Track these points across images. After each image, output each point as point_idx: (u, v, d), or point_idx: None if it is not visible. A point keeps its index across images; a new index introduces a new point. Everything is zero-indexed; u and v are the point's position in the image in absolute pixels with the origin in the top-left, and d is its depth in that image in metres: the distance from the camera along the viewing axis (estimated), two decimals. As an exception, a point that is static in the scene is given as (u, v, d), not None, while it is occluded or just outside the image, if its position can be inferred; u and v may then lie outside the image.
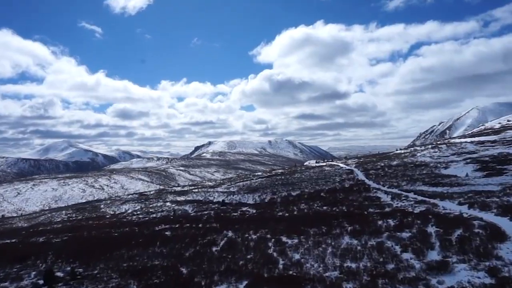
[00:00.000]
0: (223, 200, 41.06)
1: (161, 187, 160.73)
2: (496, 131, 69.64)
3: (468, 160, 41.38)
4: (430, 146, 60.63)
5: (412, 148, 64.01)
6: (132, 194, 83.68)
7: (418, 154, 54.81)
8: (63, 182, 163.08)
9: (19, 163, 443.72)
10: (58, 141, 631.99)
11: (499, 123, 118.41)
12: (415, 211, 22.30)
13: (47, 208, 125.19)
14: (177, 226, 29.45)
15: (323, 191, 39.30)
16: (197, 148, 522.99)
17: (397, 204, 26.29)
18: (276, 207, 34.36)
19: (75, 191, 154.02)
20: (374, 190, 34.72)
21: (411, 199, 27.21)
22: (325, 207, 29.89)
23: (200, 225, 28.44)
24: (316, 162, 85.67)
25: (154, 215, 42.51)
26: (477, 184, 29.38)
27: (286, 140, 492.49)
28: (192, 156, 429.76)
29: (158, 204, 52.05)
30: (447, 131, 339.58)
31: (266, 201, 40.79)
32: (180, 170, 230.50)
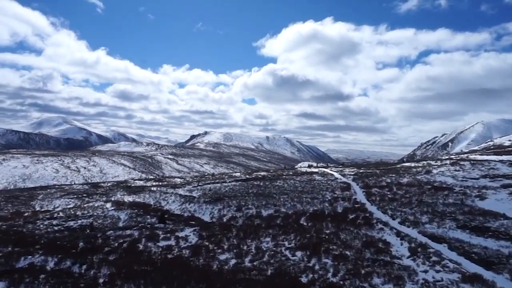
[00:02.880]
0: (162, 214, 29.12)
1: (143, 175, 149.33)
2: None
3: (512, 190, 29.55)
4: (448, 162, 48.73)
5: (425, 162, 52.23)
6: (83, 184, 71.87)
7: (435, 171, 42.93)
8: (37, 160, 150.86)
9: (7, 134, 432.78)
10: (53, 116, 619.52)
11: (510, 140, 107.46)
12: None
13: (12, 187, 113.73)
14: (51, 264, 17.69)
15: (305, 215, 27.46)
16: (192, 137, 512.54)
17: (425, 272, 14.46)
18: (229, 236, 22.55)
19: (48, 171, 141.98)
20: (380, 226, 22.87)
21: (449, 263, 15.36)
22: (298, 254, 18.07)
23: (84, 268, 16.70)
24: (309, 167, 73.87)
25: (72, 223, 30.76)
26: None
27: (284, 137, 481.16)
28: (187, 144, 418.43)
29: (96, 204, 40.22)
30: (450, 144, 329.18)
31: (224, 220, 28.96)
32: (168, 158, 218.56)
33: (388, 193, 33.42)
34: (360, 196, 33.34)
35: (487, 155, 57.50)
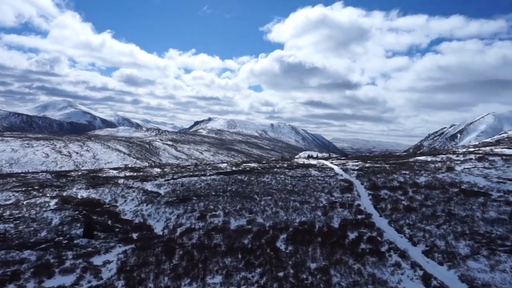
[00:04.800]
0: (88, 225, 21.17)
1: (138, 161, 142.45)
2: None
3: None
4: (473, 156, 40.36)
5: (444, 156, 43.87)
6: (48, 172, 64.42)
7: (459, 169, 34.67)
8: (27, 144, 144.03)
9: (10, 117, 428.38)
10: (58, 100, 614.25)
11: None
12: None
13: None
14: None
15: (287, 230, 19.55)
16: (196, 123, 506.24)
17: None
18: (163, 269, 14.78)
19: (37, 155, 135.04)
20: (395, 259, 14.91)
21: None
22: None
23: None
24: (308, 157, 65.79)
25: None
26: None
27: (289, 125, 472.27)
28: (190, 131, 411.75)
29: (39, 201, 32.60)
30: (458, 135, 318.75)
31: (178, 233, 21.20)
32: (167, 144, 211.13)
33: (403, 198, 25.30)
34: (365, 201, 25.27)
35: (506, 147, 48.93)
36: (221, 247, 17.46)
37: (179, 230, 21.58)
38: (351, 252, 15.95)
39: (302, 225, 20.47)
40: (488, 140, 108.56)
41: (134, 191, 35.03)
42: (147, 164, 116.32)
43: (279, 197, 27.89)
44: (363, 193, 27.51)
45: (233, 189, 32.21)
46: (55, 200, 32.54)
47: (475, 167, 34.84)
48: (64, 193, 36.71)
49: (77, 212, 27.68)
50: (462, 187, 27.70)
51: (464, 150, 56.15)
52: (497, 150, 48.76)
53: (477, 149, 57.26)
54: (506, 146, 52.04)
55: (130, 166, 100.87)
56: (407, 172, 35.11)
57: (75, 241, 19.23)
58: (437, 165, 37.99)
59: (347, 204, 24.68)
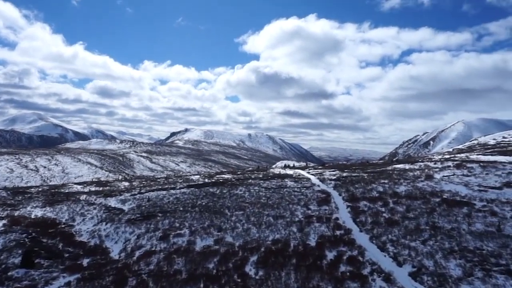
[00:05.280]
0: (28, 252, 18.33)
1: (111, 174, 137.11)
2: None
3: None
4: (451, 164, 39.50)
5: (422, 164, 42.93)
6: (3, 189, 59.85)
7: (438, 176, 33.57)
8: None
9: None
10: (27, 113, 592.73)
11: (494, 139, 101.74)
12: None
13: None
14: None
15: (258, 251, 17.40)
16: (173, 134, 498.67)
17: None
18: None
19: (0, 170, 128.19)
20: (380, 284, 13.01)
21: None
22: None
23: None
24: (284, 167, 64.01)
25: None
26: None
27: (266, 135, 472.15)
28: (167, 142, 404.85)
29: (-15, 222, 29.14)
30: (431, 142, 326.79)
31: (135, 257, 18.66)
32: (142, 156, 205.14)
33: (383, 209, 23.65)
34: (344, 214, 23.45)
35: (490, 155, 48.78)
36: (182, 274, 15.12)
37: (137, 253, 19.04)
38: (329, 276, 13.97)
39: (275, 243, 18.37)
40: (460, 147, 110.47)
41: (95, 208, 32.06)
42: (120, 177, 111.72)
43: (251, 211, 25.73)
44: (341, 205, 25.71)
45: (203, 204, 29.81)
46: (4, 221, 29.18)
47: (454, 174, 33.86)
48: (16, 213, 33.22)
49: (24, 235, 24.61)
50: (444, 196, 26.38)
51: (440, 157, 55.84)
52: (473, 157, 48.44)
53: (452, 156, 57.11)
54: (481, 153, 51.98)
55: (101, 179, 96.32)
56: (386, 181, 33.71)
57: (9, 273, 16.40)
58: (415, 173, 36.85)
59: (324, 218, 22.78)
